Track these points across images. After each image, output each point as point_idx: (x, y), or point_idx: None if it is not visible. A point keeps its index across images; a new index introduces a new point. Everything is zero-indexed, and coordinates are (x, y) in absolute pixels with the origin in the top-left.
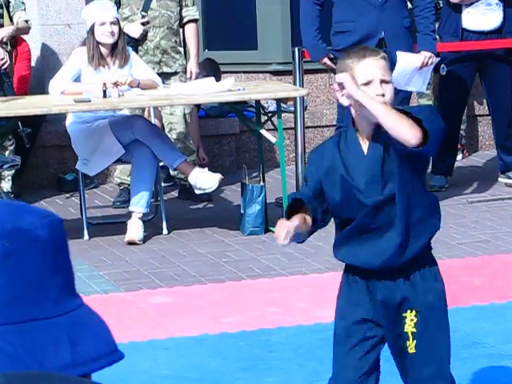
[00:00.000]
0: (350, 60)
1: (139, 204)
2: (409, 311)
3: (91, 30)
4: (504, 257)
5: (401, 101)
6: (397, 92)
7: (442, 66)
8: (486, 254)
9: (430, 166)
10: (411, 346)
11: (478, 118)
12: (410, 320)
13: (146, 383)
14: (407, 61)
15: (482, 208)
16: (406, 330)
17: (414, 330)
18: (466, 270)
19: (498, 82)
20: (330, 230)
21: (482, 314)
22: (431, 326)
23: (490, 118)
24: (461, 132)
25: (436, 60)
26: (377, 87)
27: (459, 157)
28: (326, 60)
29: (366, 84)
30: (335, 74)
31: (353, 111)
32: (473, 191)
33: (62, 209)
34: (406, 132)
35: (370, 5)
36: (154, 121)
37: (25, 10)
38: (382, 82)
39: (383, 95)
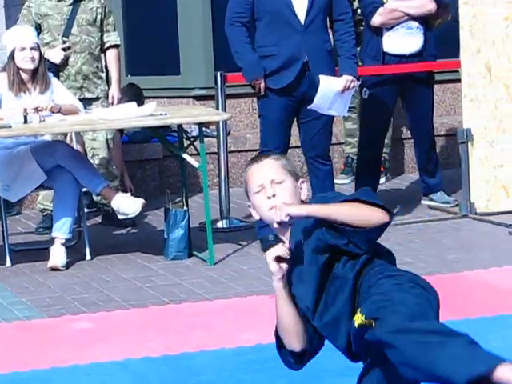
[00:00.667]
0: (247, 170)
1: (62, 230)
2: None
3: (11, 56)
4: (427, 278)
5: (324, 124)
6: (319, 116)
7: (364, 89)
8: None
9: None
10: None
11: (403, 141)
12: None
13: None
14: (329, 84)
15: (406, 230)
16: None
17: None
18: None
19: (419, 105)
20: (254, 255)
21: None
22: None
23: (412, 140)
24: (384, 155)
25: (357, 84)
26: (268, 189)
27: (382, 180)
28: (262, 81)
29: (258, 192)
30: (258, 99)
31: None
32: (396, 214)
33: None
34: (377, 216)
35: (292, 29)
36: (76, 146)
37: None
38: (273, 182)
39: (273, 195)
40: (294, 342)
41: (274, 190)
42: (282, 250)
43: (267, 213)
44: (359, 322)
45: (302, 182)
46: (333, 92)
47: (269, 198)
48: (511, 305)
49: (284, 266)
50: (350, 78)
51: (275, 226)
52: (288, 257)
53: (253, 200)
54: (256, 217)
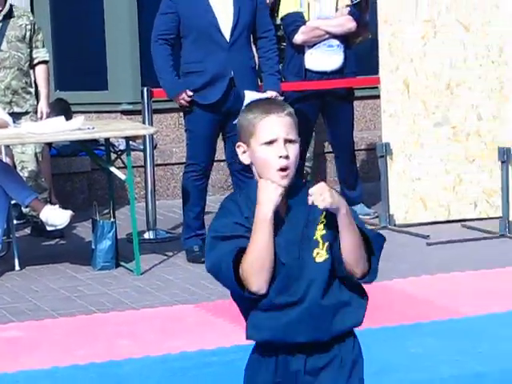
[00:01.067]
0: (252, 115)
1: None
2: None
3: None
4: None
5: None
6: None
7: (288, 105)
8: None
9: None
10: None
11: (325, 155)
12: None
13: None
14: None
15: None
16: None
17: None
18: None
19: (340, 120)
20: (179, 265)
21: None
22: None
23: (333, 154)
24: (306, 169)
25: (279, 98)
26: (280, 148)
27: None
28: (183, 96)
29: (269, 143)
30: (185, 114)
31: (255, 171)
32: None
33: None
34: (356, 262)
35: (217, 46)
36: (5, 159)
37: None
38: (287, 141)
39: (287, 157)
40: (265, 281)
41: (287, 150)
42: (280, 190)
43: (273, 172)
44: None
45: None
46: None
47: (280, 157)
48: (428, 313)
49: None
50: (274, 93)
51: (279, 189)
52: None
53: (257, 149)
54: (246, 161)
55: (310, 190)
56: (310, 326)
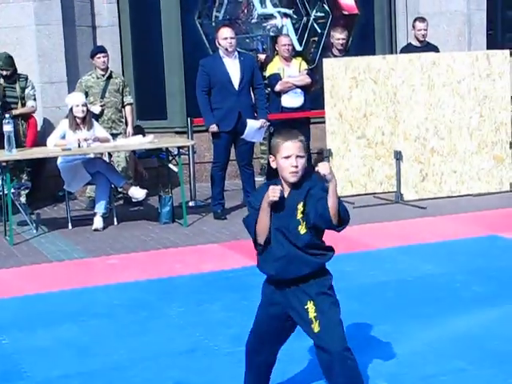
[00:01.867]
0: (278, 139)
1: (100, 208)
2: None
3: (70, 109)
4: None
5: (249, 147)
6: (247, 142)
7: (271, 127)
8: None
9: None
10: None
11: None
12: (311, 309)
13: None
14: (252, 124)
15: None
16: (310, 317)
17: (315, 314)
18: None
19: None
20: (209, 221)
21: None
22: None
23: None
24: (264, 164)
25: (267, 124)
26: (293, 160)
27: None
28: (213, 127)
29: (287, 157)
30: (213, 135)
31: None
32: None
33: (56, 211)
34: (336, 219)
35: (230, 92)
36: (107, 159)
37: (35, 99)
38: (297, 156)
39: (296, 166)
40: (262, 238)
41: (297, 163)
42: (279, 190)
43: (288, 174)
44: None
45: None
46: (254, 128)
47: (293, 166)
48: (352, 247)
49: (276, 198)
50: (264, 120)
51: (290, 180)
52: (279, 196)
53: (279, 160)
54: (274, 166)
55: (322, 169)
56: (293, 268)
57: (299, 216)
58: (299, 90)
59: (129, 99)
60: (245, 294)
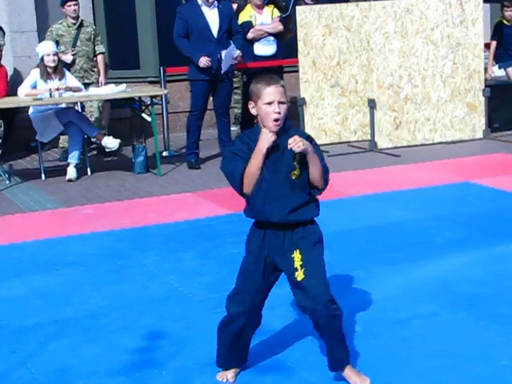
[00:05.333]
0: (259, 85)
1: (73, 158)
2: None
3: (41, 59)
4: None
5: (226, 96)
6: (224, 92)
7: (244, 76)
8: None
9: None
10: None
11: None
12: (297, 257)
13: None
14: (228, 51)
15: None
16: (295, 266)
17: (301, 262)
18: None
19: None
20: (183, 171)
21: None
22: (312, 258)
23: None
24: (238, 114)
25: (239, 53)
26: (276, 106)
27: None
28: (204, 58)
29: (269, 103)
30: (190, 81)
31: (259, 120)
32: None
33: (29, 162)
34: (320, 181)
35: (209, 40)
36: (79, 109)
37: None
38: (279, 103)
39: (279, 113)
40: (251, 184)
41: (280, 109)
42: (273, 137)
43: (270, 121)
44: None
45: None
46: (231, 55)
47: (275, 112)
48: (326, 195)
49: (273, 139)
50: (238, 51)
51: (273, 137)
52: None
53: (261, 107)
54: (254, 113)
55: (289, 140)
56: (279, 211)
57: (291, 162)
58: (272, 38)
59: (100, 48)
60: (218, 242)
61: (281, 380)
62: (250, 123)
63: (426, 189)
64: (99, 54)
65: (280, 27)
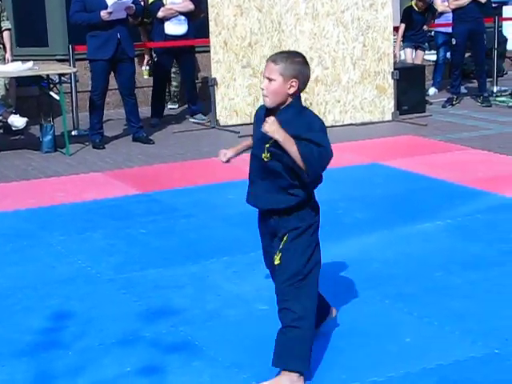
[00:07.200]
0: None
1: None
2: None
3: None
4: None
5: (130, 75)
6: (128, 71)
7: (154, 55)
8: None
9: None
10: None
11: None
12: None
13: None
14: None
15: (182, 136)
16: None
17: (281, 247)
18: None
19: (187, 65)
20: (90, 150)
21: None
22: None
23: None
24: (176, 93)
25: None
26: (263, 82)
27: (176, 106)
28: (101, 12)
29: (264, 77)
30: (90, 61)
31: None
32: (178, 126)
33: None
34: (303, 171)
35: (109, 20)
36: None
37: None
38: (267, 78)
39: (263, 89)
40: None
41: (265, 85)
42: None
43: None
44: None
45: (293, 81)
46: (124, 5)
47: (261, 87)
48: None
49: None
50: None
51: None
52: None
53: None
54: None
55: (267, 128)
56: (264, 199)
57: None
58: (183, 17)
59: (6, 24)
60: (127, 223)
61: (188, 359)
62: (159, 101)
63: (336, 169)
64: (5, 30)
65: (191, 6)
